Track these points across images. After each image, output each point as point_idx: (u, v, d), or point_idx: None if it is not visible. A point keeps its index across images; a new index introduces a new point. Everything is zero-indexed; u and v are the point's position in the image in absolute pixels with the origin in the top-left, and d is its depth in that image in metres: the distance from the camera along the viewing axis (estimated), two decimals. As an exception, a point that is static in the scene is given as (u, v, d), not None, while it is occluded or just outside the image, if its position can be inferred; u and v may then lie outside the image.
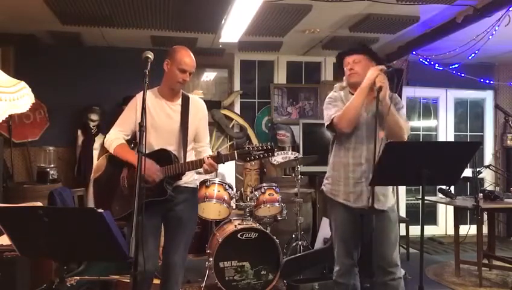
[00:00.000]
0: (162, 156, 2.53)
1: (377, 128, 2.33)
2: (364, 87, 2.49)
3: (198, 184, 2.82)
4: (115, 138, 2.62)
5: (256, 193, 4.14)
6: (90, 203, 4.34)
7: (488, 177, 5.80)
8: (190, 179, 2.70)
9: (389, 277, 2.53)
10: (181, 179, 2.60)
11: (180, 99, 2.69)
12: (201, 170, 2.57)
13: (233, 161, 5.69)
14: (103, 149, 3.02)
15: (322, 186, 2.78)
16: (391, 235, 2.58)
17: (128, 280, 3.17)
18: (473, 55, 4.93)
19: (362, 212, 2.52)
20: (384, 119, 2.49)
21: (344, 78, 2.75)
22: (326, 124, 2.67)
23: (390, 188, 2.65)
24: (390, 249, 2.55)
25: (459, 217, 4.45)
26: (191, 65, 2.59)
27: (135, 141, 2.18)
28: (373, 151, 2.32)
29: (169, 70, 2.59)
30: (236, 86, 6.01)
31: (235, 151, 2.51)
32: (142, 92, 2.60)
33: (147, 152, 2.59)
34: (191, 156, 2.68)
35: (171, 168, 2.52)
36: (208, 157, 2.50)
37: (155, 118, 2.60)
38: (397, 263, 2.56)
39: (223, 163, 2.54)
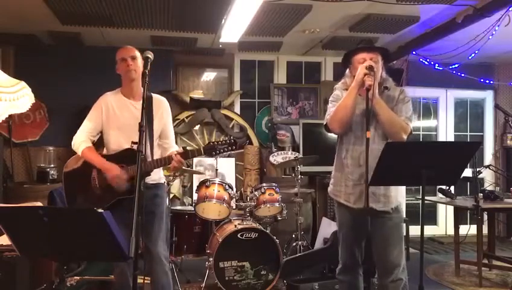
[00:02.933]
0: (128, 155, 2.57)
1: (368, 127, 2.32)
2: (353, 88, 2.46)
3: (165, 181, 2.94)
4: (82, 140, 2.71)
5: (256, 193, 4.14)
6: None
7: (488, 177, 5.79)
8: (157, 176, 2.78)
9: (389, 279, 2.49)
10: (149, 175, 2.65)
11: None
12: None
13: (234, 161, 5.75)
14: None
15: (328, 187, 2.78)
16: (392, 236, 2.54)
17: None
18: (473, 55, 4.94)
19: (363, 213, 2.50)
20: (378, 118, 2.48)
21: (347, 74, 2.66)
22: (323, 124, 2.67)
23: (393, 188, 2.58)
24: (391, 251, 2.51)
25: (459, 217, 4.45)
26: (123, 51, 2.72)
27: (134, 141, 2.20)
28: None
29: (118, 67, 2.74)
30: (236, 86, 6.01)
31: (202, 147, 2.63)
32: (107, 94, 2.80)
33: (112, 153, 2.69)
34: (157, 153, 2.76)
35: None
36: (175, 154, 2.58)
37: (120, 118, 2.70)
38: (398, 264, 2.50)
39: (190, 158, 2.70)
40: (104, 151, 2.79)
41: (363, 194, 2.47)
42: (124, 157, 2.59)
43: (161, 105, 2.82)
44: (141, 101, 2.68)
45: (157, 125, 2.75)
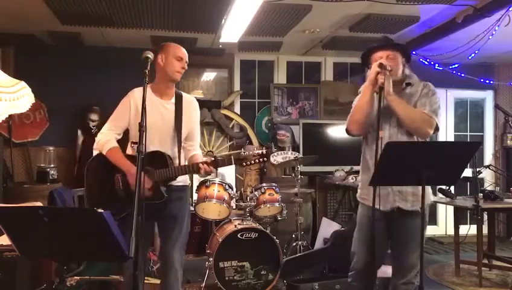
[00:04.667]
0: (157, 159, 2.51)
1: (380, 126, 2.28)
2: (367, 87, 2.43)
3: (189, 182, 2.83)
4: (107, 139, 2.58)
5: (256, 193, 4.14)
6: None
7: (488, 177, 5.79)
8: (183, 177, 2.68)
9: (401, 281, 2.46)
10: (176, 179, 2.58)
11: (174, 97, 2.67)
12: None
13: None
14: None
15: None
16: (413, 241, 2.44)
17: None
18: (473, 55, 4.93)
19: (389, 215, 2.45)
20: (397, 116, 2.43)
21: (368, 73, 2.56)
22: (345, 128, 2.62)
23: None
24: (409, 255, 2.46)
25: (459, 217, 4.45)
26: (186, 54, 2.63)
27: (135, 141, 2.17)
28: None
29: (166, 62, 2.57)
30: (236, 86, 6.01)
31: (232, 157, 2.55)
32: (135, 90, 2.63)
33: None
34: (182, 155, 2.70)
35: (166, 172, 2.50)
36: (204, 163, 2.50)
37: (149, 118, 2.51)
38: (413, 269, 2.44)
39: (220, 167, 2.60)
40: (129, 151, 2.64)
41: (388, 195, 2.44)
42: (151, 160, 2.46)
43: (191, 105, 2.72)
44: (172, 100, 2.64)
45: (185, 127, 2.66)
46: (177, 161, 2.60)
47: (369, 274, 2.51)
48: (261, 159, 2.53)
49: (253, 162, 2.54)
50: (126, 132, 2.69)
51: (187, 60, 2.64)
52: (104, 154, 2.57)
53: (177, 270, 2.62)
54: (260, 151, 2.55)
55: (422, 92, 2.52)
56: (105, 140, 2.57)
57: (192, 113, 2.71)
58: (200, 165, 2.49)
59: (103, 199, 2.60)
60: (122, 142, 2.66)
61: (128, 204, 2.46)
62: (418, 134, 2.45)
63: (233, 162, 2.54)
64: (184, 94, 2.74)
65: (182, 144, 2.68)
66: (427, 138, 2.50)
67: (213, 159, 2.55)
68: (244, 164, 2.54)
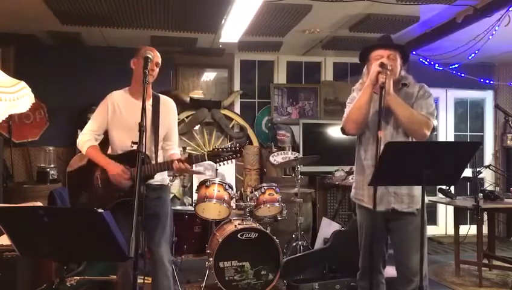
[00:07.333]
0: (133, 157, 2.49)
1: (380, 126, 2.25)
2: (367, 86, 2.40)
3: (169, 181, 2.93)
4: (87, 139, 2.69)
5: (256, 193, 4.14)
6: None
7: (488, 177, 5.80)
8: (161, 177, 2.75)
9: (409, 286, 2.43)
10: (153, 178, 2.64)
11: (151, 99, 2.74)
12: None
13: (234, 161, 5.73)
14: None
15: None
16: (413, 241, 2.43)
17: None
18: (473, 55, 4.94)
19: (386, 216, 2.45)
20: (396, 116, 2.42)
21: (365, 72, 2.56)
22: (340, 127, 2.60)
23: (416, 187, 2.45)
24: (411, 257, 2.43)
25: (459, 217, 4.45)
26: (156, 55, 2.65)
27: (134, 141, 2.19)
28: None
29: (137, 65, 2.65)
30: (236, 86, 6.01)
31: (205, 153, 2.61)
32: (113, 93, 2.75)
33: (118, 153, 2.66)
34: (160, 155, 2.75)
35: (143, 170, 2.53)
36: (178, 161, 2.55)
37: (127, 118, 2.66)
38: (419, 271, 2.37)
39: (194, 164, 2.62)
40: (109, 151, 2.76)
41: (383, 195, 2.43)
42: (129, 159, 2.55)
43: (168, 106, 2.80)
44: (149, 102, 2.70)
45: (163, 127, 2.74)
46: (153, 161, 2.65)
47: (374, 275, 2.48)
48: (234, 156, 2.57)
49: (226, 158, 2.57)
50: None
51: (158, 61, 2.67)
52: (84, 153, 2.68)
53: (166, 267, 2.69)
54: (233, 148, 2.57)
55: (418, 93, 2.51)
56: (85, 140, 2.69)
57: (169, 114, 2.80)
58: (175, 162, 2.54)
59: (84, 199, 2.70)
60: (102, 144, 2.76)
61: (106, 201, 2.59)
62: (416, 135, 2.44)
63: (206, 158, 2.58)
64: (161, 96, 2.82)
65: (161, 144, 2.76)
66: (424, 139, 2.47)
67: (187, 156, 2.61)
68: (218, 160, 2.58)
